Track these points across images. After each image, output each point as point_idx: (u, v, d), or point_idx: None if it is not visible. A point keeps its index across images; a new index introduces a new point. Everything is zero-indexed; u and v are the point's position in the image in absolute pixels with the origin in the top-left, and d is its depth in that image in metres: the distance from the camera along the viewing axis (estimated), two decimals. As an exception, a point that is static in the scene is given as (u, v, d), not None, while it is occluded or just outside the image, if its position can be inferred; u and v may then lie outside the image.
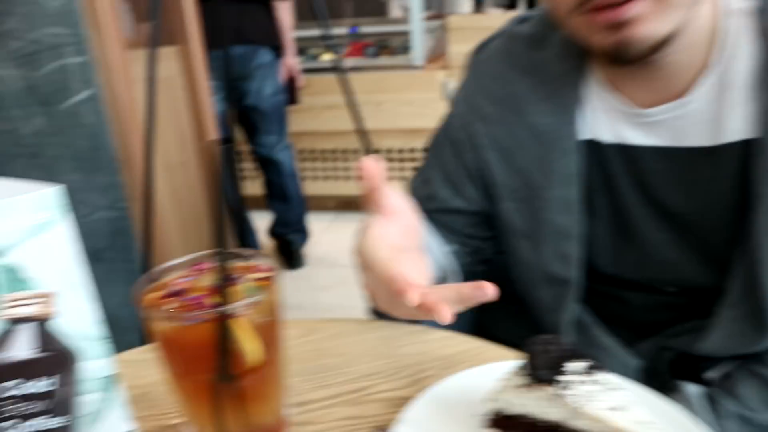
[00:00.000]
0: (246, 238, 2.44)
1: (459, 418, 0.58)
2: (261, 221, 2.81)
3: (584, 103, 0.77)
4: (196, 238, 1.76)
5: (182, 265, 0.53)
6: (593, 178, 0.78)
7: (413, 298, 0.46)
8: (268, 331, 0.48)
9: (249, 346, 0.47)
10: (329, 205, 3.54)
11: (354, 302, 1.32)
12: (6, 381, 0.43)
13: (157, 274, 0.51)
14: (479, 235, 0.89)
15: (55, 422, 0.46)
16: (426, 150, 0.95)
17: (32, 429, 0.45)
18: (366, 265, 0.54)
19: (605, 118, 0.76)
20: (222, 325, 0.44)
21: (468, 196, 0.86)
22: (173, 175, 1.64)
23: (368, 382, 0.67)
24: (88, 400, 0.47)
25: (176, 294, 0.49)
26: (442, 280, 0.75)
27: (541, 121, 0.79)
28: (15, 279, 0.40)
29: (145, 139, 1.20)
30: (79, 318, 0.44)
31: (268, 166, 2.72)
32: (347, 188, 3.42)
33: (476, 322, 0.92)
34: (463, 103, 0.87)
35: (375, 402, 0.63)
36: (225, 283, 0.43)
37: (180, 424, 0.56)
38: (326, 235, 3.23)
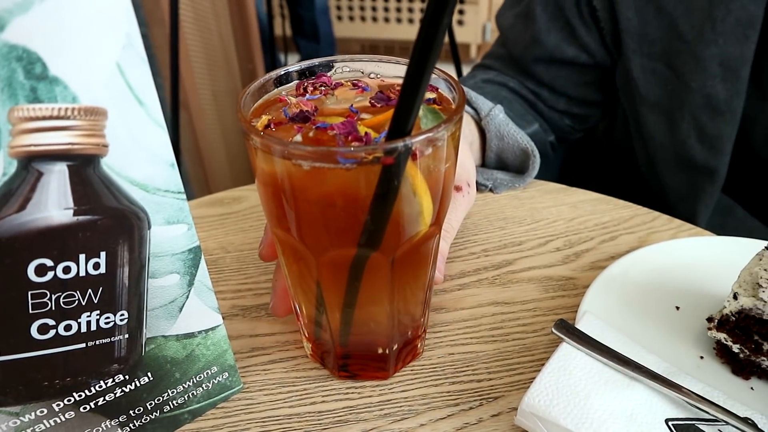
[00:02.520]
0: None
1: (657, 309, 0.42)
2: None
3: None
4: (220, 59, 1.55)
5: (295, 74, 0.34)
6: None
7: None
8: (444, 182, 0.30)
9: (424, 204, 0.29)
10: (353, 48, 3.24)
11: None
12: (28, 260, 0.25)
13: (261, 86, 0.32)
14: (590, 99, 0.69)
15: (110, 320, 0.29)
16: None
17: (74, 332, 0.28)
18: None
19: None
20: (395, 170, 0.25)
21: (584, 43, 0.65)
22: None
23: (507, 255, 0.50)
24: (159, 286, 0.30)
25: (300, 119, 0.29)
26: (521, 166, 0.59)
27: None
28: (32, 76, 0.21)
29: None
30: (147, 157, 0.26)
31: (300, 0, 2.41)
32: (374, 30, 3.11)
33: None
34: None
35: (524, 283, 0.47)
36: (408, 103, 0.24)
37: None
38: (351, 81, 2.98)
